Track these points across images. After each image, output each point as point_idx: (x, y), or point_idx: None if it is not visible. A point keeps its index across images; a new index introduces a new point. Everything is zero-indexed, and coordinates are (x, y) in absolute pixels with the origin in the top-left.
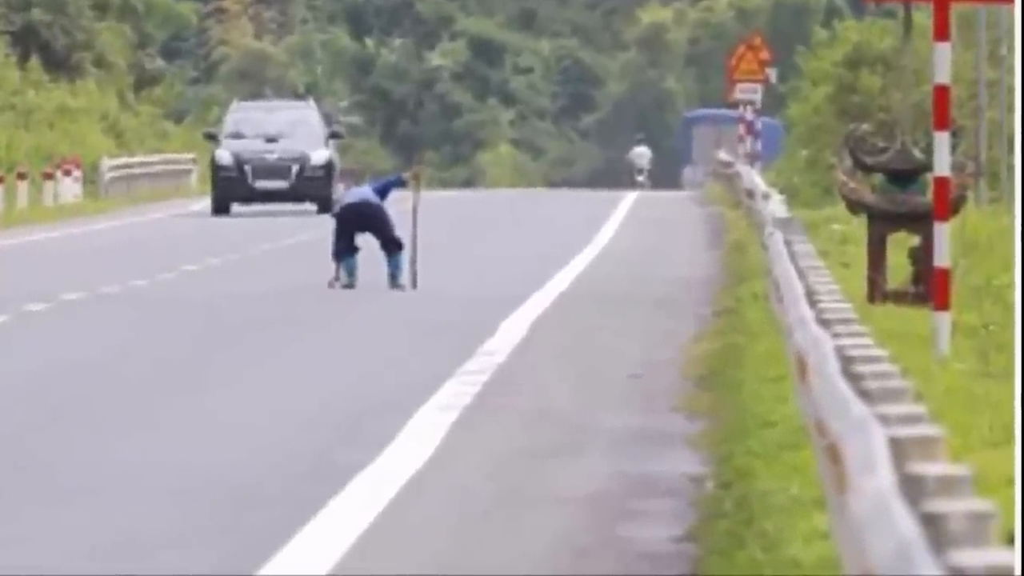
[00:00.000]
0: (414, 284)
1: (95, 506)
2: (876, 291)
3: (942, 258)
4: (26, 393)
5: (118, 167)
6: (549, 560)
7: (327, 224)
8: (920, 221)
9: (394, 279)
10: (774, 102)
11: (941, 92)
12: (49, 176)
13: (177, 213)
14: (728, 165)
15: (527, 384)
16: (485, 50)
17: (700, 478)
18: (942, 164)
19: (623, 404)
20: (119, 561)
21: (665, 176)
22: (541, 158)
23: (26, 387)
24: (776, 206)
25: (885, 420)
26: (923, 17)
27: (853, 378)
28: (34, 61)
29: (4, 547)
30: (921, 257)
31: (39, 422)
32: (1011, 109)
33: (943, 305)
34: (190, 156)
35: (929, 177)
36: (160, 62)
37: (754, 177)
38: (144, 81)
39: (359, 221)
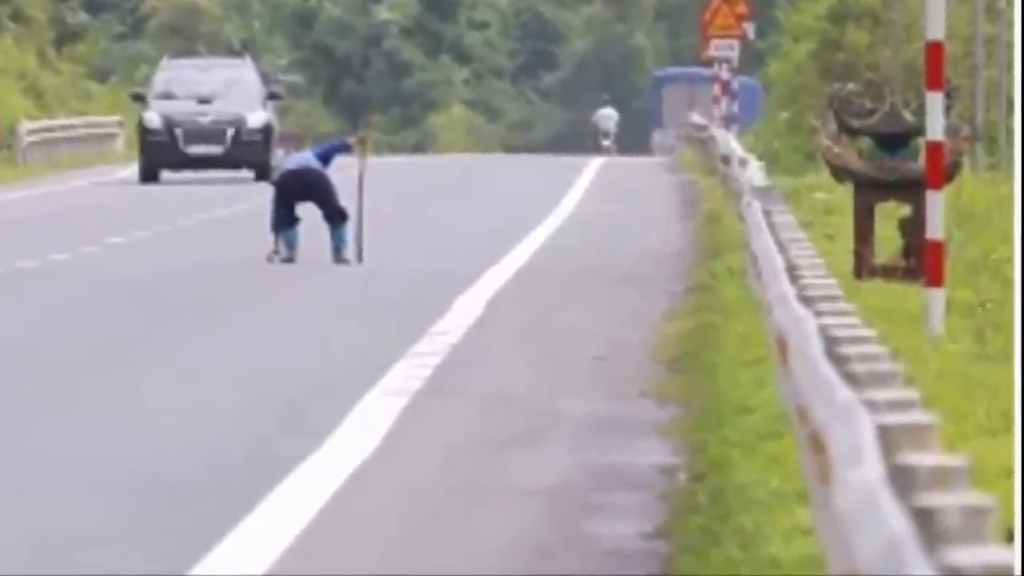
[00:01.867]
0: (360, 258)
1: (9, 499)
2: (863, 266)
3: (935, 230)
4: None
5: (37, 131)
6: (508, 559)
7: (265, 193)
8: (911, 189)
9: (338, 252)
10: (752, 60)
11: (934, 49)
12: None
13: (101, 181)
14: (702, 128)
15: (483, 367)
16: (437, 3)
17: (671, 469)
18: (935, 127)
19: (587, 389)
20: (37, 560)
21: (633, 140)
22: (498, 120)
23: None
24: (754, 173)
25: (873, 406)
26: None
27: (838, 360)
28: None
29: None
30: (912, 229)
31: None
32: (1010, 67)
33: (936, 281)
34: (116, 119)
35: (921, 141)
36: (83, 16)
37: (730, 141)
38: (66, 37)
39: (300, 189)
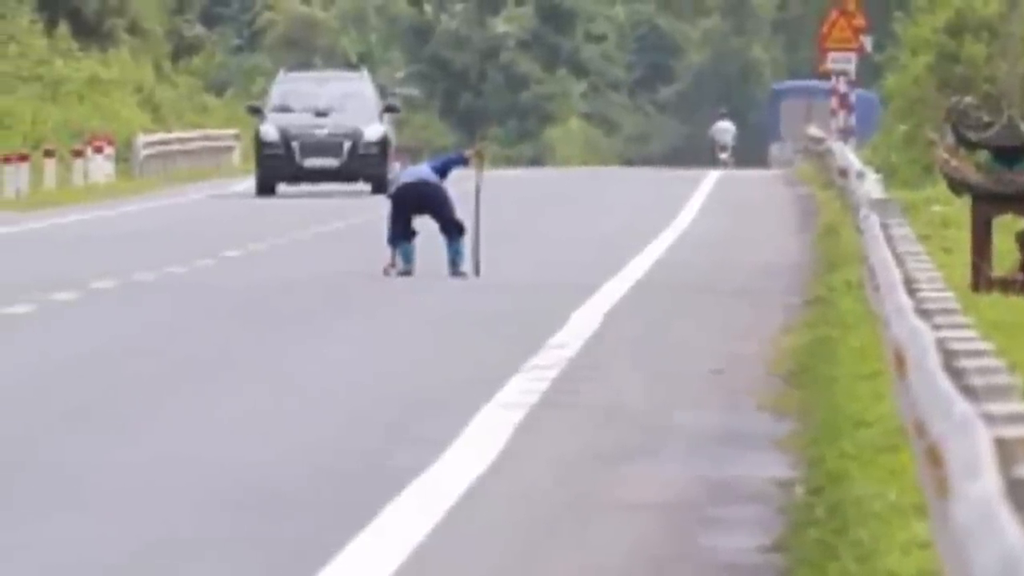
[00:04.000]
0: (477, 271)
1: (118, 512)
2: (981, 279)
3: None
4: (51, 388)
5: (154, 144)
6: (623, 573)
7: (382, 206)
8: None
9: (455, 266)
10: (869, 73)
11: None
12: (79, 154)
13: (218, 194)
14: (819, 141)
15: (600, 380)
16: (554, 15)
17: (788, 483)
18: None
19: (704, 402)
20: (142, 574)
21: (750, 153)
22: (615, 134)
23: (51, 382)
24: (872, 186)
25: (991, 420)
26: None
27: (956, 374)
28: (62, 28)
29: (12, 556)
30: None
31: (62, 419)
32: None
33: None
34: (232, 132)
35: None
36: (200, 29)
37: (848, 154)
38: (182, 50)
39: (417, 202)
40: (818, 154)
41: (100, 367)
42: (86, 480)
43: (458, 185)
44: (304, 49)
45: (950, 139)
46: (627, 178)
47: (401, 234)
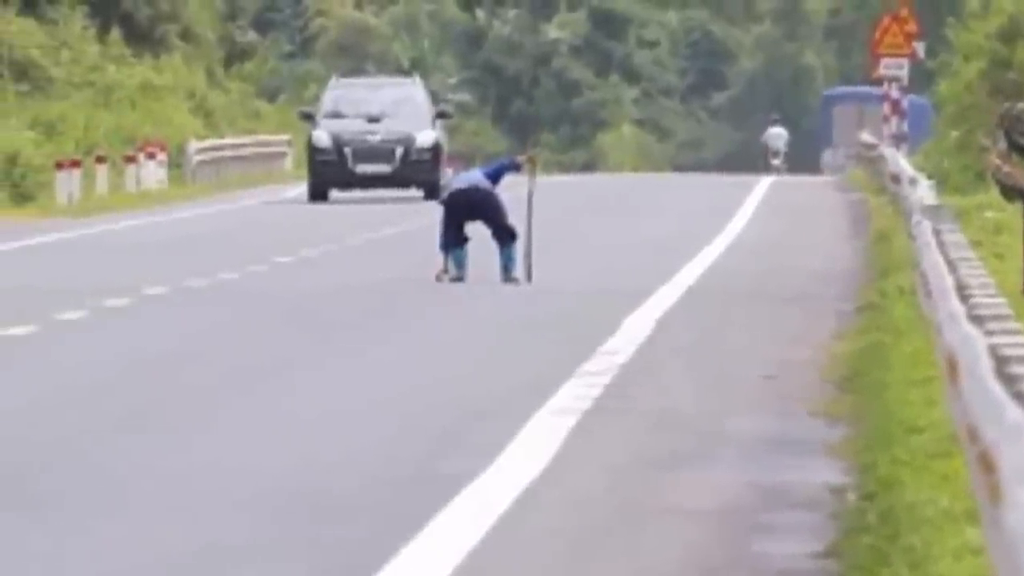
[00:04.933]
0: (529, 277)
1: (169, 517)
2: None
3: None
4: (104, 394)
5: (206, 150)
6: None
7: (434, 212)
8: None
9: (507, 272)
10: (922, 79)
11: None
12: (131, 159)
13: (270, 200)
14: (871, 147)
15: (651, 386)
16: (607, 21)
17: (841, 489)
18: None
19: (756, 408)
20: None
21: (803, 159)
22: (667, 140)
23: (104, 388)
24: (924, 192)
25: None
26: None
27: (1008, 380)
28: (115, 34)
29: (63, 561)
30: None
31: (114, 425)
32: None
33: None
34: (284, 138)
35: None
36: (252, 35)
37: (900, 160)
38: (235, 56)
39: (469, 208)
40: (870, 160)
41: (152, 373)
42: (137, 486)
43: (510, 191)
44: (356, 55)
45: (1002, 145)
46: (679, 184)
47: (453, 240)
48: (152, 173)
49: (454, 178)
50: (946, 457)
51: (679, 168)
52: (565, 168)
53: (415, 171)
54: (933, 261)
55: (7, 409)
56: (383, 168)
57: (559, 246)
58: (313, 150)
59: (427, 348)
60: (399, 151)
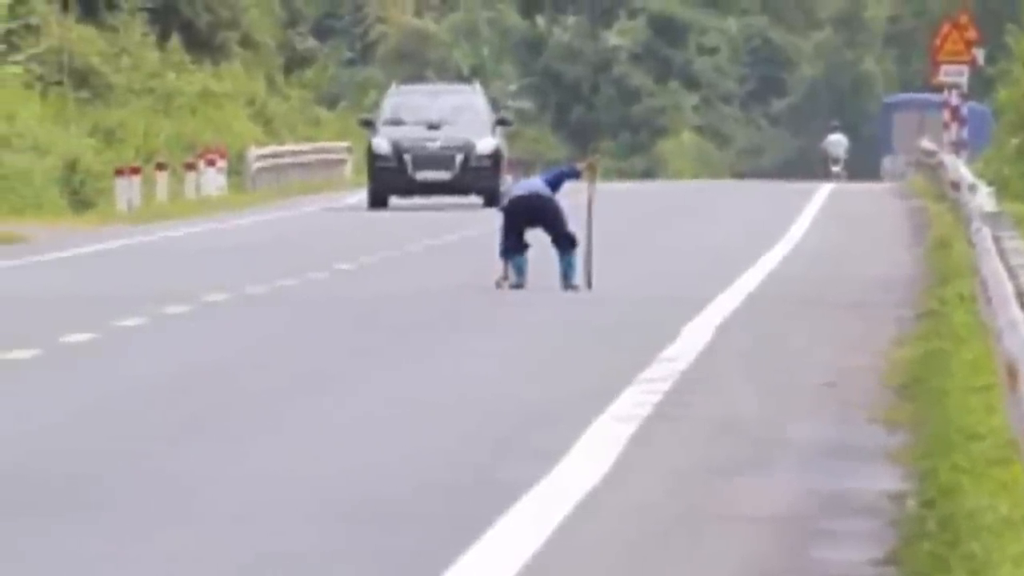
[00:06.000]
0: (589, 284)
1: (231, 524)
2: None
3: None
4: (164, 401)
5: (266, 157)
6: None
7: (494, 219)
8: None
9: (567, 279)
10: (982, 86)
11: None
12: (191, 167)
13: (330, 207)
14: (931, 154)
15: (711, 393)
16: (667, 28)
17: (901, 496)
18: None
19: (816, 415)
20: None
21: (863, 166)
22: (727, 147)
23: (164, 395)
24: (984, 199)
25: None
26: None
27: None
28: (175, 41)
29: (127, 569)
30: None
31: (175, 432)
32: None
33: None
34: (344, 145)
35: None
36: (312, 42)
37: (960, 168)
38: (295, 63)
39: (529, 215)
40: (930, 167)
41: (212, 380)
42: (200, 493)
43: (570, 198)
44: (416, 62)
45: None
46: (739, 191)
47: (513, 247)
48: (212, 180)
49: (514, 185)
50: (1006, 464)
51: (738, 175)
52: (625, 175)
53: (475, 178)
54: (993, 268)
55: (69, 416)
56: (443, 175)
57: (619, 253)
58: (373, 157)
59: (487, 354)
60: (459, 158)
